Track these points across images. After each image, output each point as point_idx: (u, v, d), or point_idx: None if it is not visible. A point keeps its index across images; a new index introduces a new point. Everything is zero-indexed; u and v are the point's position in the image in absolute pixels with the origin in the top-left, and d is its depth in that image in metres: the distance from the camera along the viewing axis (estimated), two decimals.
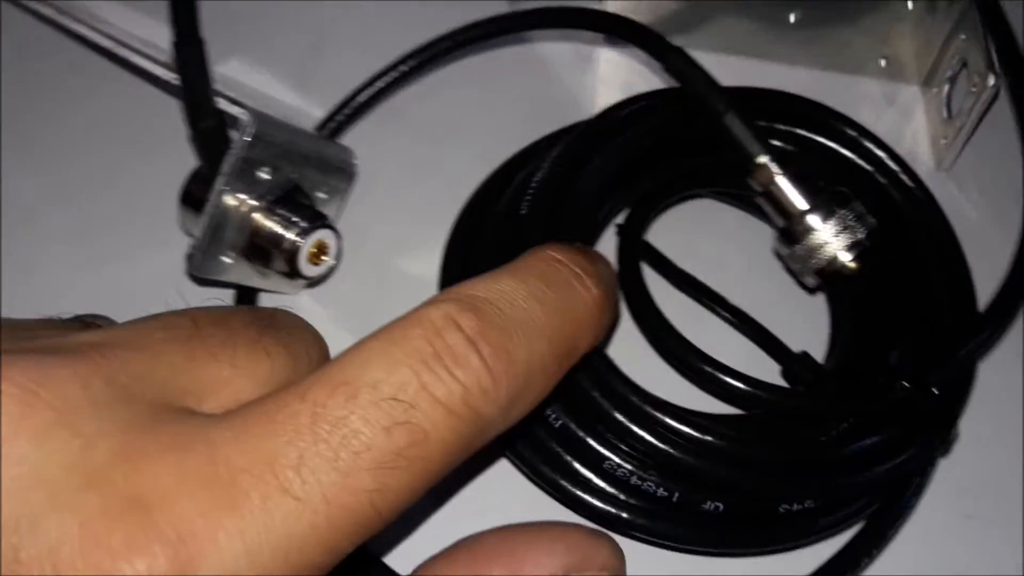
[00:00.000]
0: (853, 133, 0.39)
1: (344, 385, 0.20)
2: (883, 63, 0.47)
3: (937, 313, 0.36)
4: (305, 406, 0.20)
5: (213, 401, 0.21)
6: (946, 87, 0.45)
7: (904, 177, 0.39)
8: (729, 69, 0.41)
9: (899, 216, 0.38)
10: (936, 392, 0.34)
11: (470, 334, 0.21)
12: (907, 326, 0.37)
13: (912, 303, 0.37)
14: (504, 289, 0.23)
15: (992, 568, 0.35)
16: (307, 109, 0.43)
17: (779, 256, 0.39)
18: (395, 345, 0.21)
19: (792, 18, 0.46)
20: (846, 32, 0.46)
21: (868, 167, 0.39)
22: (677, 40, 0.44)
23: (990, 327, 0.36)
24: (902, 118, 0.47)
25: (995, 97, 0.41)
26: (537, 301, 0.23)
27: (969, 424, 0.36)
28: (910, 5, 0.45)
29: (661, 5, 0.46)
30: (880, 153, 0.39)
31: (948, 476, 0.36)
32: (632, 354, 0.35)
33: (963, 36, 0.43)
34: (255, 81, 0.44)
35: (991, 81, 0.40)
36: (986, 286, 0.38)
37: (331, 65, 0.46)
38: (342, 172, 0.39)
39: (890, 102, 0.47)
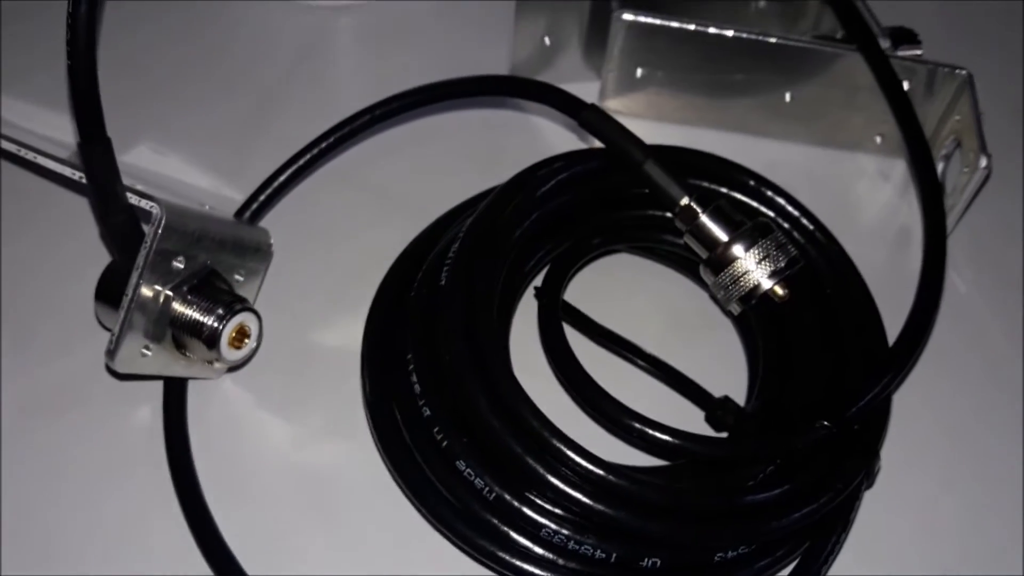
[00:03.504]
0: (753, 183, 0.41)
1: None
2: (879, 140, 0.48)
3: (848, 351, 0.38)
4: None
5: None
6: (941, 165, 0.45)
7: (805, 221, 0.40)
8: (729, 145, 0.43)
9: (804, 258, 0.39)
10: (856, 428, 0.36)
11: None
12: (820, 365, 0.38)
13: (823, 342, 0.38)
14: None
15: None
16: (225, 191, 0.43)
17: (706, 285, 0.40)
18: None
19: (787, 97, 0.47)
20: (841, 111, 0.47)
21: (771, 213, 0.40)
22: (679, 121, 0.46)
23: (901, 361, 0.37)
24: (897, 194, 0.48)
25: (987, 177, 0.42)
26: None
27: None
28: (906, 85, 0.46)
29: (659, 91, 0.47)
30: (780, 200, 0.40)
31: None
32: (557, 413, 0.35)
33: (957, 117, 0.44)
34: (168, 168, 0.45)
35: (983, 162, 0.41)
36: (972, 357, 0.42)
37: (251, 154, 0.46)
38: (258, 253, 0.39)
39: (886, 178, 0.48)
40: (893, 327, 0.39)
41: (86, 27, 0.29)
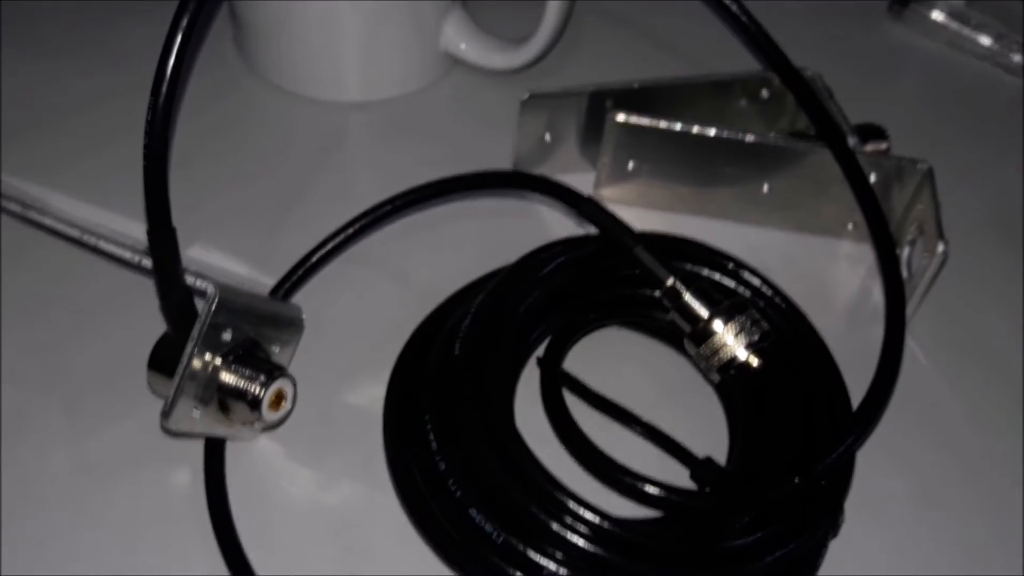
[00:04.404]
0: (731, 265, 0.46)
1: None
2: (851, 227, 0.53)
3: (816, 415, 0.42)
4: None
5: None
6: (907, 249, 0.50)
7: (777, 299, 0.45)
8: (713, 231, 0.48)
9: (777, 334, 0.44)
10: (823, 483, 0.40)
11: None
12: (792, 427, 0.42)
13: (794, 407, 0.43)
14: None
15: None
16: (260, 279, 0.48)
17: (689, 355, 0.45)
18: None
19: (765, 188, 0.52)
20: (814, 201, 0.52)
21: (747, 292, 0.45)
22: (666, 209, 0.52)
23: (862, 425, 0.42)
24: (870, 276, 0.52)
25: (944, 262, 0.46)
26: None
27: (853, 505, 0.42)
28: (873, 178, 0.50)
29: (648, 181, 0.53)
30: (755, 281, 0.45)
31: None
32: (558, 468, 0.39)
33: (920, 205, 0.49)
34: (215, 259, 0.50)
35: (940, 248, 0.46)
36: (929, 421, 0.45)
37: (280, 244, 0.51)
38: (293, 327, 0.43)
39: (860, 262, 0.53)
40: (861, 393, 0.43)
41: (161, 135, 0.34)
